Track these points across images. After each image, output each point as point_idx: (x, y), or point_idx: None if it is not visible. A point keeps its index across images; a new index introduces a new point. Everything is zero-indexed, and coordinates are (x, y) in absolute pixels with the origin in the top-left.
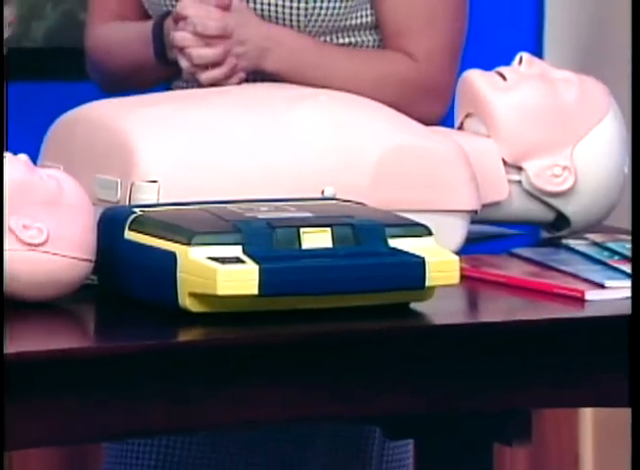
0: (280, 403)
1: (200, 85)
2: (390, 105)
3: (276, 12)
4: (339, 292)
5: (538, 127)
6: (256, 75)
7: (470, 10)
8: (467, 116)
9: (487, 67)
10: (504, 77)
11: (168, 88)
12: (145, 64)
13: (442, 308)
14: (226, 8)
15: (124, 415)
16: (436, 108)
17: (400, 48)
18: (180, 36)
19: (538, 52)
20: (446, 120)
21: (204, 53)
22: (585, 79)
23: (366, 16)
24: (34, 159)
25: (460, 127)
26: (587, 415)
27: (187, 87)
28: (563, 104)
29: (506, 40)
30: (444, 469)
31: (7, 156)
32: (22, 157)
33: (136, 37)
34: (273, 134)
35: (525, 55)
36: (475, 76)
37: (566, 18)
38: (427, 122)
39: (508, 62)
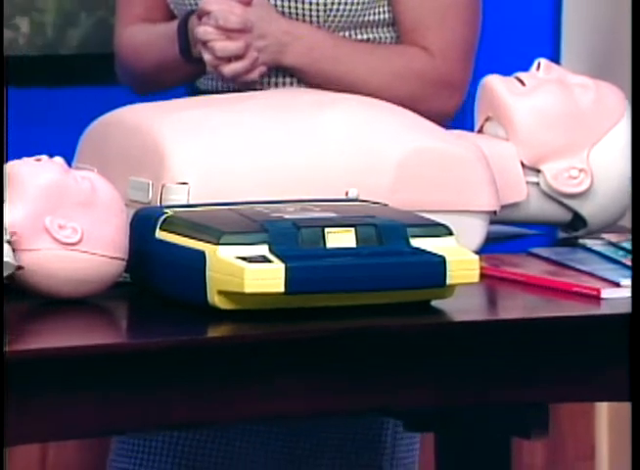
0: (305, 397)
1: (224, 80)
2: (407, 99)
3: (296, 8)
4: (362, 290)
5: (556, 131)
6: (278, 70)
7: (489, 17)
8: (487, 119)
9: (506, 72)
10: (523, 83)
11: (193, 87)
12: (171, 62)
13: (463, 306)
14: (248, 3)
15: (156, 408)
16: (452, 101)
17: (416, 43)
18: (203, 30)
19: (555, 58)
20: (466, 124)
21: (226, 46)
22: (601, 84)
23: (383, 12)
24: (69, 161)
25: (480, 131)
26: (603, 409)
27: (212, 85)
28: (579, 108)
29: (524, 47)
30: (464, 461)
31: (43, 158)
32: (58, 159)
33: (162, 36)
34: (299, 138)
35: (543, 61)
36: (494, 82)
37: (582, 24)
38: (442, 116)
39: (526, 67)
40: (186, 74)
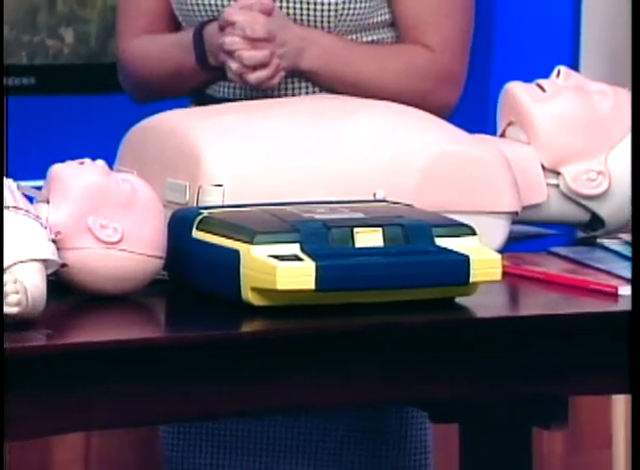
0: (334, 389)
1: (248, 87)
2: (413, 94)
3: (308, 15)
4: (389, 287)
5: (575, 135)
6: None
7: (510, 25)
8: (509, 124)
9: (527, 79)
10: (543, 89)
11: (201, 95)
12: (184, 70)
13: (485, 303)
14: (269, 13)
15: (193, 400)
16: (453, 94)
17: (417, 40)
18: (230, 40)
19: (575, 65)
20: (489, 129)
21: (253, 55)
22: (619, 91)
23: (384, 14)
24: (111, 164)
25: (502, 135)
26: (620, 400)
27: (227, 92)
28: (598, 114)
29: (545, 54)
30: (486, 451)
31: (86, 161)
32: (100, 162)
33: (175, 46)
34: (329, 142)
35: (563, 68)
36: (516, 88)
37: (601, 33)
38: (445, 109)
39: (546, 75)
40: (199, 82)
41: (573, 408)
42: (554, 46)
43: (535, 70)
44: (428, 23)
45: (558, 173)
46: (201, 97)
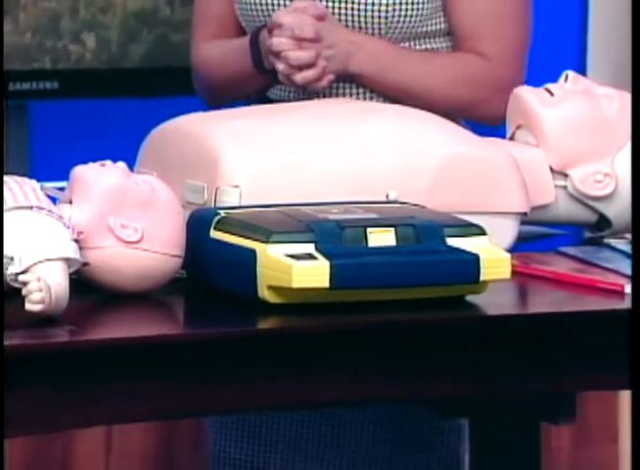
0: (347, 386)
1: (295, 87)
2: (467, 103)
3: (359, 22)
4: (401, 285)
5: (582, 138)
6: (346, 78)
7: None
8: (518, 127)
9: (536, 83)
10: (551, 93)
11: (264, 97)
12: (246, 74)
13: (495, 301)
14: (321, 17)
15: (211, 394)
16: (505, 106)
17: (473, 49)
18: (277, 41)
19: (582, 70)
20: (498, 132)
21: (300, 55)
22: (625, 95)
23: (440, 23)
24: (131, 166)
25: (511, 138)
26: (627, 396)
27: (283, 95)
28: (605, 117)
29: (552, 59)
30: (496, 446)
31: (107, 163)
32: (121, 164)
33: (237, 51)
34: (343, 145)
35: (571, 73)
36: (525, 92)
37: (608, 38)
38: (498, 119)
39: (554, 79)
40: (259, 85)
41: (581, 404)
42: (562, 51)
43: (544, 75)
44: (485, 32)
45: (566, 175)
46: (262, 99)
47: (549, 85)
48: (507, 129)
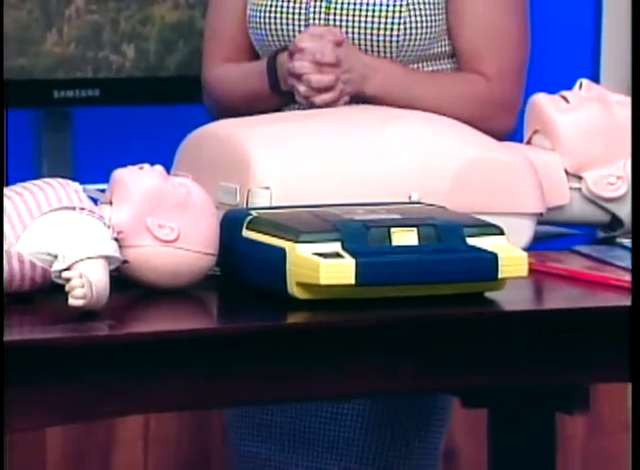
0: (371, 378)
1: (311, 108)
2: (469, 120)
3: (372, 45)
4: (423, 282)
5: (596, 143)
6: (358, 99)
7: (535, 42)
8: (534, 132)
9: (551, 91)
10: (567, 100)
11: None
12: (260, 95)
13: (513, 297)
14: (339, 43)
15: (242, 386)
16: (509, 121)
17: (474, 70)
18: (299, 65)
19: (595, 78)
20: (516, 136)
21: (321, 78)
22: None
23: (445, 46)
24: (168, 169)
25: (528, 142)
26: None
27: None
28: (617, 123)
29: (567, 68)
30: (513, 433)
31: (146, 166)
32: (158, 167)
33: (252, 72)
34: (368, 148)
35: (585, 81)
36: (541, 99)
37: (620, 47)
38: (501, 134)
39: (569, 87)
40: (272, 106)
41: (594, 395)
42: (576, 60)
43: (559, 83)
44: (486, 53)
45: (580, 178)
46: None
47: (564, 92)
48: (524, 134)
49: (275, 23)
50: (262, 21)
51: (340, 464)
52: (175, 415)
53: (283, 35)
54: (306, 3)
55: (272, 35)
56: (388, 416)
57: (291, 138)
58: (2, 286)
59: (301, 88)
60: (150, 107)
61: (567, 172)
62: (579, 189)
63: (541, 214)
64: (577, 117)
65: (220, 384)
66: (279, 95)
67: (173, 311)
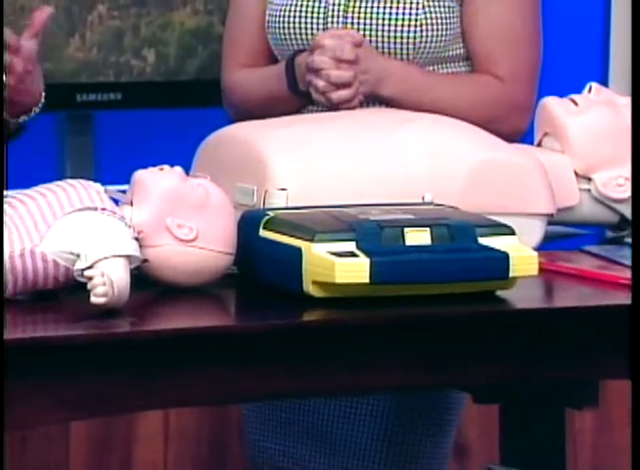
0: (386, 374)
1: (329, 104)
2: (484, 122)
3: (388, 46)
4: (436, 281)
5: (605, 145)
6: (375, 100)
7: (546, 46)
8: (544, 135)
9: (561, 94)
10: (576, 103)
11: None
12: (277, 97)
13: (523, 296)
14: (358, 44)
15: (259, 382)
16: (523, 121)
17: (488, 71)
18: (319, 59)
19: (604, 81)
20: (527, 139)
21: (340, 74)
22: None
23: (459, 48)
24: (187, 170)
25: (539, 144)
26: None
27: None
28: (626, 125)
29: (577, 72)
30: (524, 428)
31: (165, 168)
32: (177, 169)
33: (270, 76)
34: (382, 150)
35: (594, 84)
36: (551, 102)
37: (628, 51)
38: (514, 135)
39: (579, 90)
40: (291, 108)
41: (602, 390)
42: (585, 64)
43: (568, 87)
44: (499, 55)
45: (589, 179)
46: None
47: (574, 96)
48: (534, 136)
49: (294, 27)
50: (281, 25)
51: (352, 460)
52: (194, 410)
53: (302, 38)
54: (325, 7)
55: (291, 39)
56: (402, 412)
57: (307, 140)
58: (2, 286)
59: (320, 83)
60: (170, 110)
61: (576, 174)
62: (589, 190)
63: (551, 215)
64: (587, 120)
65: (238, 380)
66: (296, 95)
67: (192, 309)
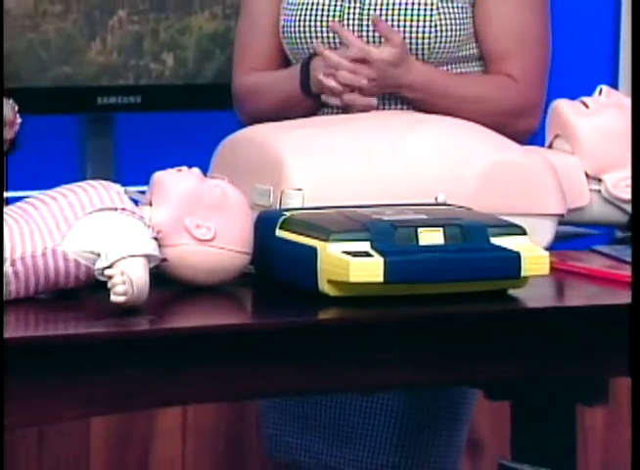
0: (400, 371)
1: (340, 106)
2: (499, 121)
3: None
4: (449, 280)
5: (615, 146)
6: (397, 100)
7: (556, 49)
8: (555, 137)
9: (572, 97)
10: (586, 105)
11: None
12: (289, 100)
13: (535, 295)
14: (397, 46)
15: (276, 378)
16: (533, 122)
17: (501, 72)
18: (336, 58)
19: (614, 84)
20: (538, 140)
21: (352, 77)
22: None
23: (472, 48)
24: (205, 171)
25: (550, 146)
26: None
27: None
28: None
29: (587, 75)
30: (535, 425)
31: (184, 169)
32: (195, 170)
33: (283, 78)
34: (396, 151)
35: (605, 87)
36: (562, 105)
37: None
38: (527, 134)
39: (589, 93)
40: (302, 110)
41: (613, 387)
42: (595, 67)
43: (579, 89)
44: (512, 56)
45: (599, 180)
46: None
47: (584, 98)
48: (545, 138)
49: (309, 31)
50: (297, 29)
51: (367, 454)
52: (212, 406)
53: (317, 41)
54: (340, 11)
55: (307, 42)
56: (415, 408)
57: (322, 142)
58: (2, 286)
59: (331, 84)
60: (188, 112)
61: (586, 175)
62: (599, 191)
63: (562, 215)
64: (597, 122)
65: (255, 376)
66: (309, 97)
67: (210, 307)
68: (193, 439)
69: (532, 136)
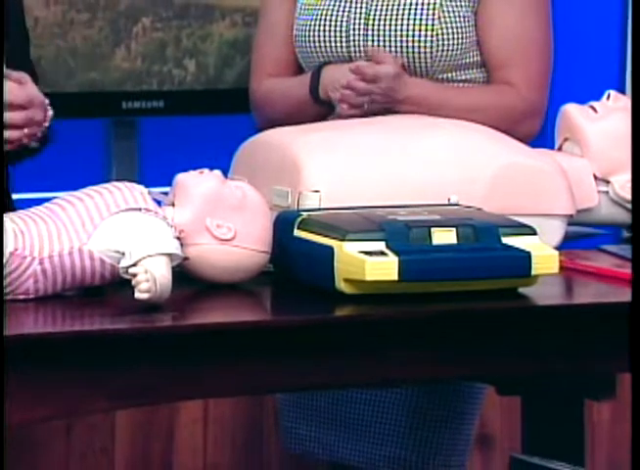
0: (414, 367)
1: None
2: (500, 128)
3: (407, 55)
4: (461, 279)
5: (622, 149)
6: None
7: (564, 55)
8: (565, 140)
9: (580, 101)
10: (595, 110)
11: None
12: (300, 104)
13: (545, 293)
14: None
15: (295, 373)
16: (534, 126)
17: (503, 79)
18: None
19: (622, 89)
20: (547, 143)
21: (358, 100)
22: None
23: (475, 56)
24: (226, 173)
25: (559, 149)
26: None
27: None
28: None
29: (595, 80)
30: (544, 418)
31: (205, 171)
32: (216, 172)
33: (296, 84)
34: (410, 154)
35: (613, 92)
36: (571, 109)
37: None
38: (525, 139)
39: (597, 97)
40: (315, 115)
41: (620, 382)
42: (603, 72)
43: (587, 94)
44: (512, 62)
45: (608, 182)
46: None
47: (593, 103)
48: (555, 141)
49: (318, 41)
50: (307, 39)
51: (377, 446)
52: (232, 399)
53: (325, 51)
54: (347, 22)
55: (316, 51)
56: (425, 402)
57: (338, 145)
58: (2, 286)
59: (336, 95)
60: (209, 116)
61: (595, 177)
62: (607, 192)
63: (571, 216)
64: (605, 126)
65: (273, 371)
66: (316, 102)
67: (230, 305)
68: (214, 430)
69: (541, 140)
